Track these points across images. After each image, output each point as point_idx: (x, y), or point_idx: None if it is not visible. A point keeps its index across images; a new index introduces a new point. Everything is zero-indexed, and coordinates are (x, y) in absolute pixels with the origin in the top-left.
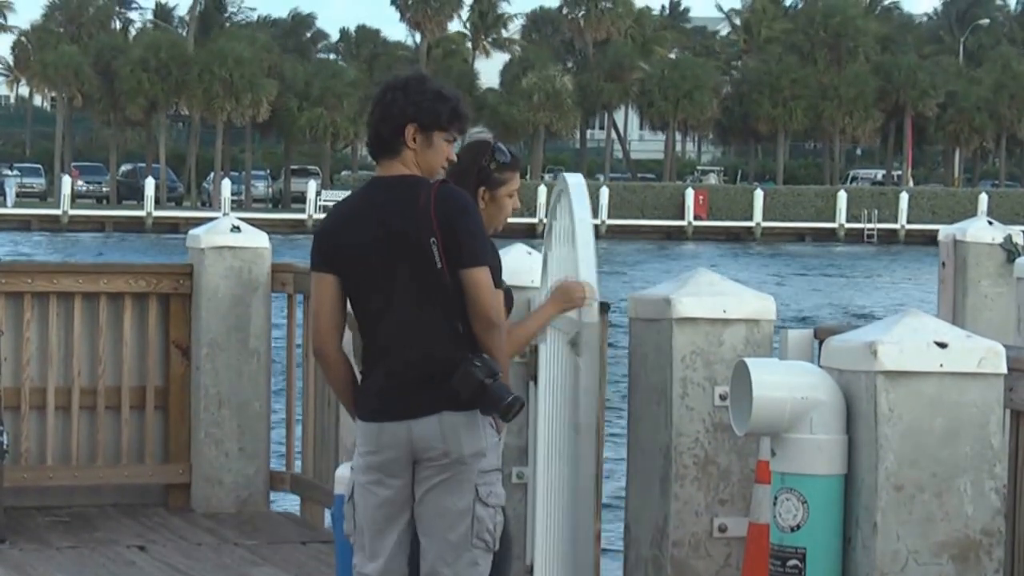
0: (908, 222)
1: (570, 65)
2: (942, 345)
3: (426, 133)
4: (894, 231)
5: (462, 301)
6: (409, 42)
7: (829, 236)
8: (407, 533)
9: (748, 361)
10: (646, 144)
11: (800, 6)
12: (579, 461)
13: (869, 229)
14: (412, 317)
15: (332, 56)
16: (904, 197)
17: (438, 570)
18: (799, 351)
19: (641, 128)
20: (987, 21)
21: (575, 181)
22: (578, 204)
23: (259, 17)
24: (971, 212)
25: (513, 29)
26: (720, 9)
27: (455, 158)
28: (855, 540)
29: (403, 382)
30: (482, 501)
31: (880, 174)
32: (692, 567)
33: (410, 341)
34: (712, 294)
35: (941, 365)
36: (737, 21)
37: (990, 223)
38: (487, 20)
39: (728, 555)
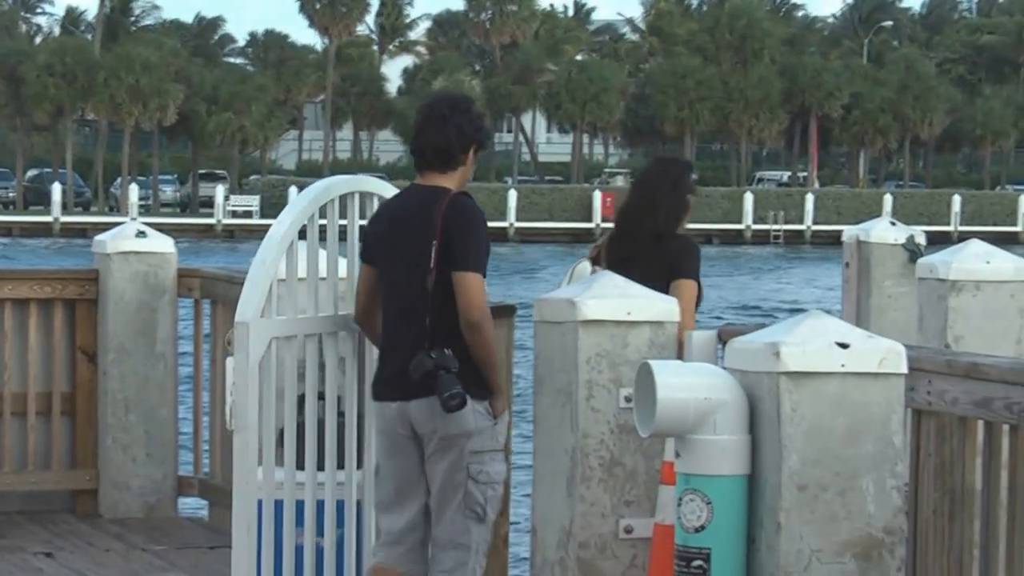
0: (814, 223)
1: (478, 68)
2: (844, 346)
3: (477, 153)
4: (800, 232)
5: (442, 300)
6: (318, 46)
7: (736, 238)
8: (422, 501)
9: (652, 363)
10: (554, 147)
11: (705, 8)
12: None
13: (776, 230)
14: (409, 310)
15: (240, 61)
16: (810, 198)
17: (437, 536)
18: (703, 352)
19: (549, 131)
20: (891, 23)
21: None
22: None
23: (166, 21)
24: (876, 213)
25: (419, 33)
26: (621, 15)
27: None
28: (759, 540)
29: (402, 367)
30: (472, 478)
31: (786, 175)
32: (598, 568)
33: (406, 331)
34: (617, 296)
35: (843, 365)
36: (642, 26)
37: (893, 224)
38: (394, 23)
39: (634, 556)
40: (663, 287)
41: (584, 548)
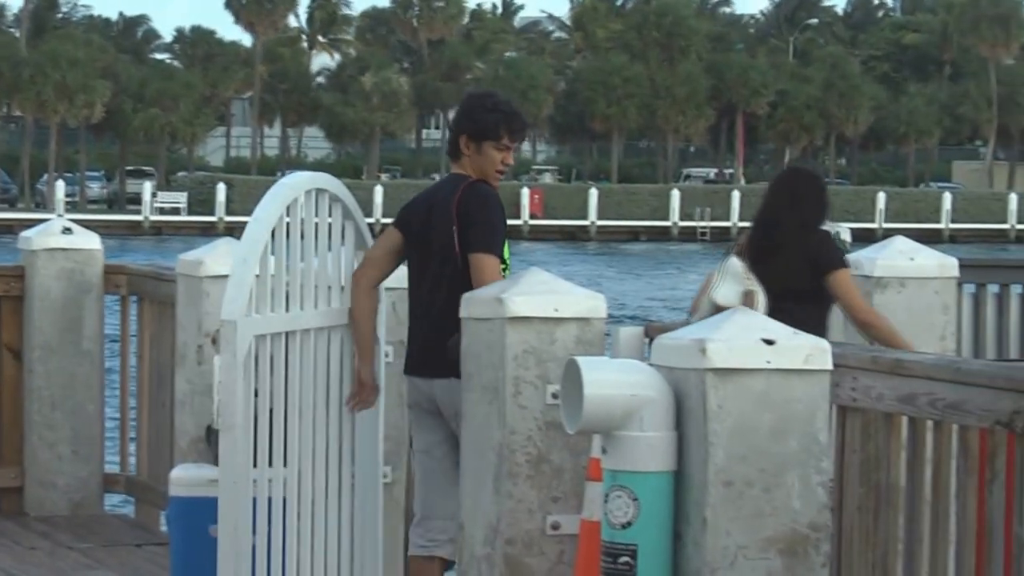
0: (740, 220)
1: (406, 66)
2: (770, 342)
3: (477, 142)
4: (726, 229)
5: (465, 283)
6: (246, 42)
7: (663, 234)
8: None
9: (579, 359)
10: None
11: (632, 5)
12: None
13: (702, 227)
14: (436, 291)
15: (167, 57)
16: (736, 195)
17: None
18: (630, 349)
19: None
20: (816, 21)
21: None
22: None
23: (93, 17)
24: None
25: (348, 30)
26: (545, 12)
27: (511, 162)
28: (685, 536)
29: (428, 345)
30: None
31: (713, 172)
32: (525, 565)
33: (433, 311)
34: (543, 293)
35: (769, 362)
36: (569, 22)
37: None
38: (323, 20)
39: (561, 552)
40: (806, 278)
41: (511, 545)
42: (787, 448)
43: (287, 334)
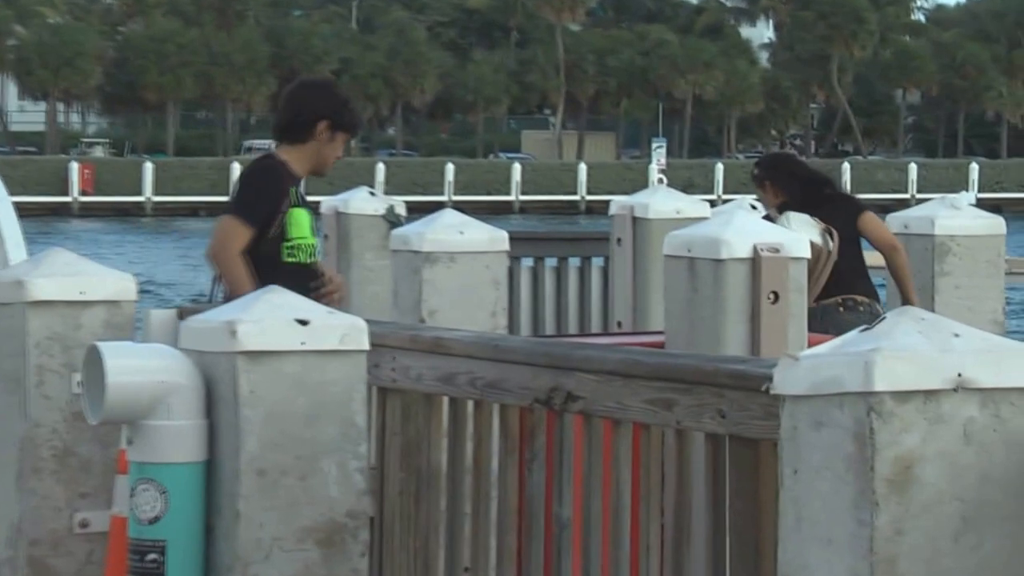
0: (306, 193)
1: None
2: (303, 323)
3: (333, 131)
4: None
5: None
6: None
7: (224, 210)
8: None
9: (101, 345)
10: (27, 115)
11: None
12: None
13: None
14: None
15: None
16: None
17: None
18: (163, 333)
19: (21, 98)
20: None
21: None
22: None
23: None
24: (370, 183)
25: None
26: None
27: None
28: (217, 529)
29: None
30: None
31: (272, 144)
32: (51, 567)
33: None
34: (69, 275)
35: (303, 343)
36: None
37: (372, 194)
38: None
39: (91, 552)
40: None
41: (36, 546)
42: (323, 433)
43: None
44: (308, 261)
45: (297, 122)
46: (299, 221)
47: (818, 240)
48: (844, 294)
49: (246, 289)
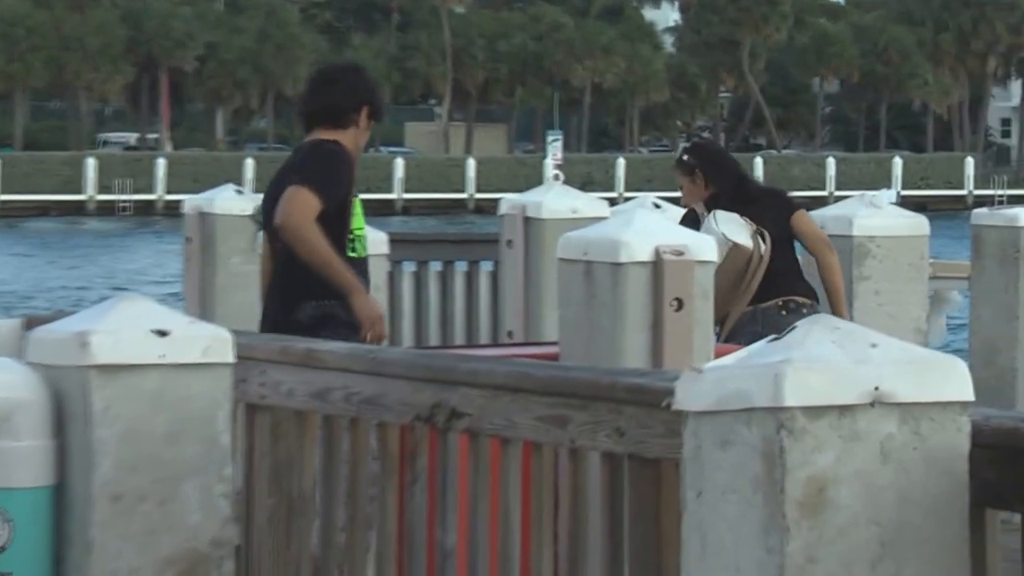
0: (168, 192)
1: None
2: (163, 333)
3: (369, 119)
4: (151, 202)
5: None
6: None
7: (78, 209)
8: None
9: None
10: None
11: None
12: None
13: (123, 201)
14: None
15: None
16: (161, 164)
17: None
18: (6, 344)
19: None
20: None
21: None
22: None
23: None
24: (237, 179)
25: None
26: None
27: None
28: (68, 560)
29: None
30: None
31: (134, 138)
32: None
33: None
34: None
35: (162, 356)
36: None
37: (240, 192)
38: None
39: None
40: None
41: None
42: (184, 454)
43: None
44: (365, 255)
45: (342, 106)
46: (359, 212)
47: (748, 243)
48: (784, 296)
49: (331, 257)
